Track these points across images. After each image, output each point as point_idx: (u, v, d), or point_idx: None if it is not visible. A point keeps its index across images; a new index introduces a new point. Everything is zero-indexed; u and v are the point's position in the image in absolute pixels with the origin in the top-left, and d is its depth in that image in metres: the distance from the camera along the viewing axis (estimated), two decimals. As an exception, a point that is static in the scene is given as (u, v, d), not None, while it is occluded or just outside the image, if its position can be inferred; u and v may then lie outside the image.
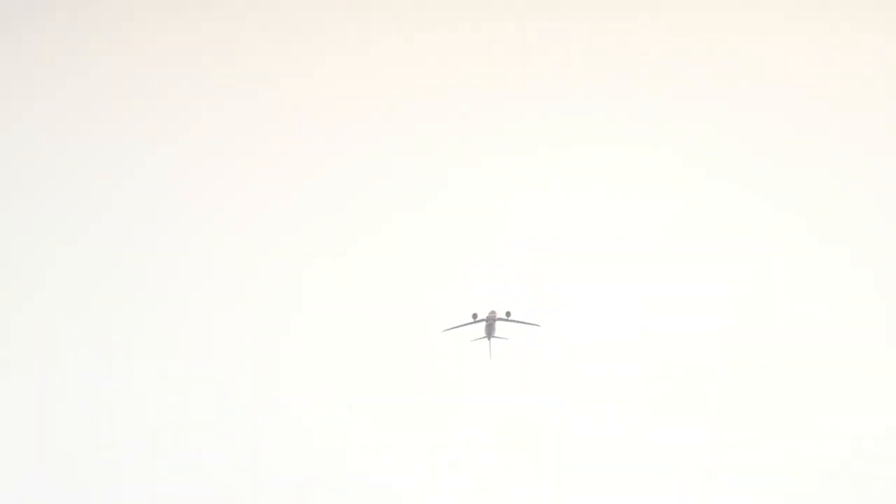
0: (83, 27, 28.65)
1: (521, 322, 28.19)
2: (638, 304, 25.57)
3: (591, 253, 27.43)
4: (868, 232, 25.46)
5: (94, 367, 25.47)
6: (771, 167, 26.22)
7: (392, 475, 24.84)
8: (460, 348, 28.10)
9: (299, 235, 27.21)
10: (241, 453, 25.26)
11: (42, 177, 26.70)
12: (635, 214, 26.95)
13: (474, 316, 27.58)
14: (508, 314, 28.61)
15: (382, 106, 27.50)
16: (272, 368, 25.76)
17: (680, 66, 26.88)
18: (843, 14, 26.26)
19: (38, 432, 25.32)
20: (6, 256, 25.87)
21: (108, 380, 25.68)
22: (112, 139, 27.80)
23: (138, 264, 26.57)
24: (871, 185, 25.64)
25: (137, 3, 28.14)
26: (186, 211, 27.02)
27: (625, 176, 27.12)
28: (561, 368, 26.50)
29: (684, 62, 26.89)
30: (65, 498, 24.82)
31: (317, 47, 28.10)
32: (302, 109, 27.51)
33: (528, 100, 28.03)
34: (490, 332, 28.06)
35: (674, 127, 26.91)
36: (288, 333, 26.06)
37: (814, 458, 24.19)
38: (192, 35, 28.24)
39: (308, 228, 27.37)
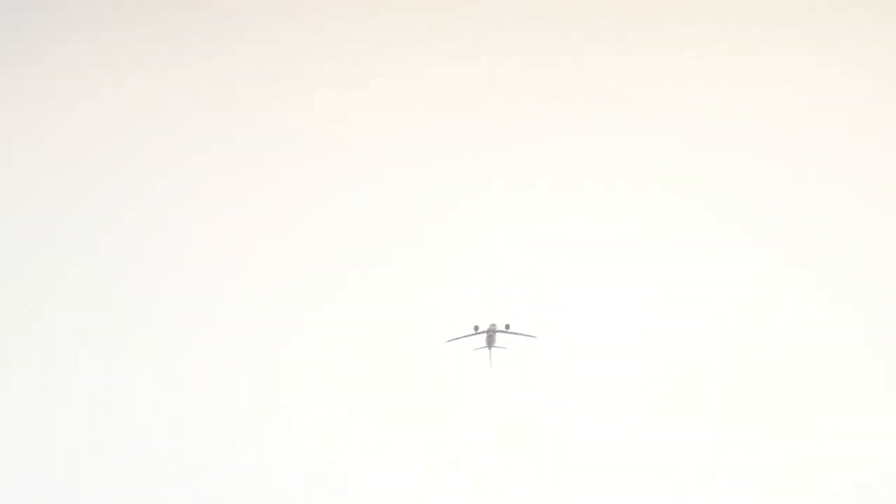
0: (94, 55, 28.76)
1: (519, 333, 28.75)
2: (636, 308, 25.78)
3: (589, 258, 27.54)
4: (870, 237, 25.62)
5: (98, 371, 25.58)
6: (770, 177, 26.39)
7: (393, 475, 24.89)
8: (462, 356, 28.31)
9: (309, 248, 27.24)
10: (240, 455, 25.30)
11: (57, 192, 26.86)
12: (634, 220, 27.11)
13: (476, 328, 28.12)
14: (507, 326, 29.26)
15: (387, 130, 27.64)
16: (275, 373, 25.82)
17: (682, 97, 27.02)
18: (854, 59, 26.60)
19: (40, 435, 25.40)
20: (20, 265, 26.00)
21: (110, 382, 25.79)
22: (123, 160, 27.94)
23: (144, 272, 26.64)
24: (872, 196, 25.83)
25: (143, 34, 28.41)
26: (192, 218, 27.08)
27: (625, 185, 27.28)
28: (559, 372, 26.70)
29: (685, 96, 27.05)
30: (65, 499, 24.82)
31: (322, 77, 28.25)
32: (310, 134, 27.67)
33: (528, 128, 28.15)
34: (490, 342, 28.65)
35: (676, 144, 27.05)
36: (294, 341, 26.02)
37: (814, 459, 24.18)
38: (201, 63, 28.38)
39: (317, 242, 27.44)
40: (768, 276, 25.49)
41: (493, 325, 29.25)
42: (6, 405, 25.31)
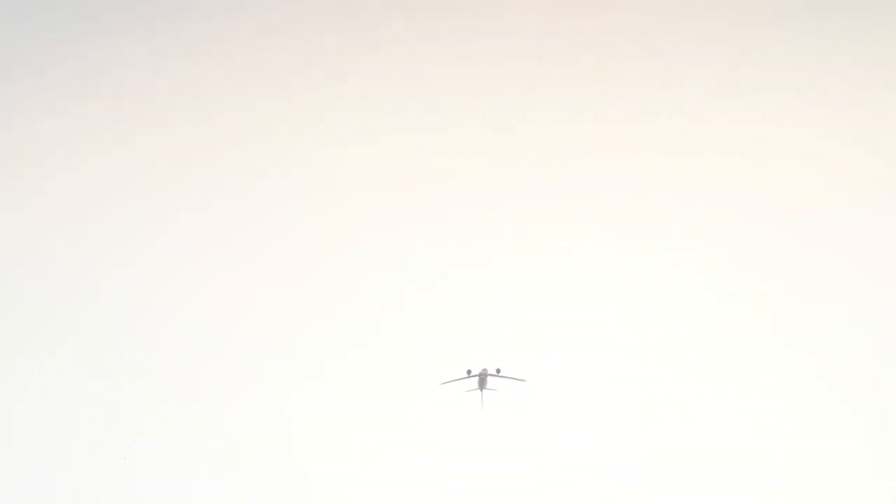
0: (99, 117, 31.03)
1: (509, 377, 36.68)
2: (618, 356, 26.77)
3: (574, 313, 29.37)
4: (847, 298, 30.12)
5: (101, 430, 27.42)
6: (749, 239, 30.74)
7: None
8: (457, 398, 36.68)
9: (314, 303, 28.30)
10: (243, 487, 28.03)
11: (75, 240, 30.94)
12: (618, 279, 31.27)
13: (468, 372, 31.53)
14: (498, 370, 29.79)
15: (392, 191, 27.88)
16: (282, 419, 26.75)
17: (671, 166, 31.62)
18: (842, 131, 34.15)
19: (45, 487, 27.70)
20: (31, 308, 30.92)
21: (114, 430, 27.73)
22: (130, 215, 28.71)
23: (146, 326, 28.08)
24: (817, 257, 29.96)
25: (153, 93, 33.56)
26: (197, 272, 27.89)
27: (613, 247, 33.86)
28: (546, 413, 28.37)
29: (674, 164, 31.52)
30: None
31: (334, 137, 28.90)
32: (318, 192, 29.61)
33: (521, 193, 31.55)
34: (482, 385, 32.37)
35: (659, 209, 32.34)
36: (300, 387, 26.64)
37: (812, 461, 28.27)
38: (197, 130, 32.07)
39: (320, 299, 28.62)
40: (739, 322, 28.43)
41: (485, 369, 34.72)
42: (18, 445, 28.88)
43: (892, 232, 38.16)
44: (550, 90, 32.03)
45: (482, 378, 40.07)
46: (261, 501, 30.22)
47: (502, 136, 31.62)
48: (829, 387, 36.27)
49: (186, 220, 31.90)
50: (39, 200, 32.92)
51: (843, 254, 36.97)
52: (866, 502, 34.00)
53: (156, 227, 31.27)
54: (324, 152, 32.41)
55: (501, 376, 38.16)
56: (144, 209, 31.92)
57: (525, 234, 31.86)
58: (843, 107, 34.92)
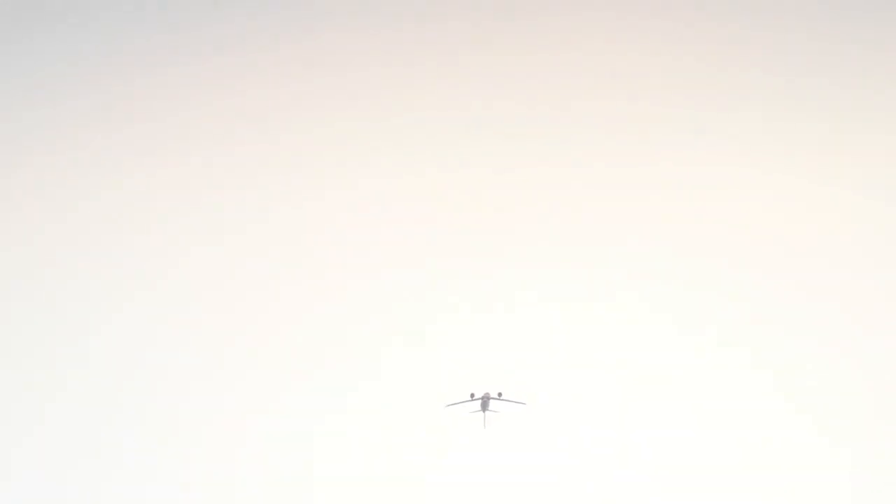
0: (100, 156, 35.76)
1: (510, 401, 40.58)
2: (612, 386, 31.10)
3: (572, 344, 33.77)
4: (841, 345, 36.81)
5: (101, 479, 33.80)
6: (744, 286, 34.68)
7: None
8: (462, 419, 37.14)
9: (326, 334, 33.15)
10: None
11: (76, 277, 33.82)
12: (611, 312, 35.78)
13: (472, 395, 36.68)
14: (500, 394, 33.92)
15: (398, 230, 33.31)
16: (298, 439, 32.67)
17: (668, 212, 35.30)
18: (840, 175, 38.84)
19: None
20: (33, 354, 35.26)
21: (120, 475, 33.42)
22: (131, 251, 32.62)
23: (148, 363, 33.11)
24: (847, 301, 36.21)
25: (142, 137, 36.62)
26: (201, 310, 32.90)
27: (607, 283, 38.02)
28: (544, 433, 31.99)
29: (671, 211, 35.34)
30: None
31: (340, 170, 34.22)
32: (327, 226, 33.38)
33: (522, 232, 36.42)
34: (485, 407, 35.81)
35: (652, 254, 35.40)
36: (318, 410, 32.61)
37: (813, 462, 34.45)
38: (201, 166, 35.39)
39: (346, 333, 34.57)
40: (726, 344, 33.76)
41: (488, 392, 38.17)
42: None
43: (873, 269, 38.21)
44: (548, 132, 33.85)
45: (485, 401, 41.06)
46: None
47: (500, 176, 33.37)
48: (815, 397, 37.43)
49: (199, 251, 32.59)
50: (59, 229, 33.36)
51: (842, 295, 38.11)
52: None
53: (180, 251, 31.88)
54: (335, 186, 32.93)
55: (503, 399, 38.71)
56: (165, 238, 32.04)
57: (525, 269, 32.84)
58: (841, 151, 36.52)
